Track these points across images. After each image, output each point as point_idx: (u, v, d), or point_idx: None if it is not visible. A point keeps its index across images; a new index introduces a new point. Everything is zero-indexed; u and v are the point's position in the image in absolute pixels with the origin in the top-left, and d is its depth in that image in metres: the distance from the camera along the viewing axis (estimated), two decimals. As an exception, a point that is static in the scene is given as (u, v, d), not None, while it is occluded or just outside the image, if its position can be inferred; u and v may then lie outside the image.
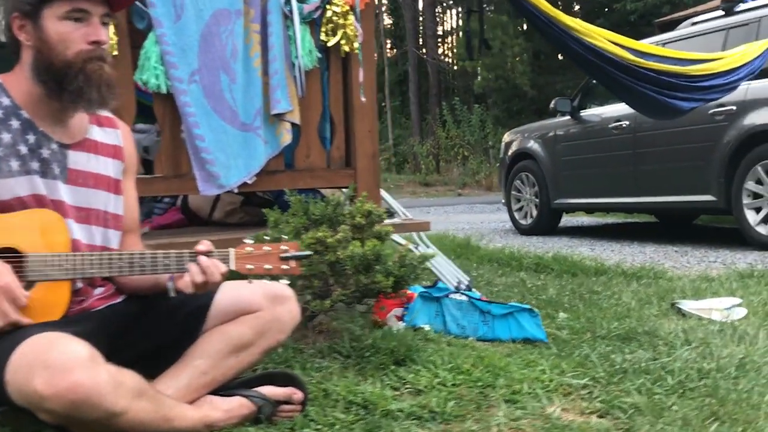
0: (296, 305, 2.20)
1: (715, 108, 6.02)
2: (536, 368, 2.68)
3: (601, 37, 4.33)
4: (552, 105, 8.21)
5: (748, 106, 5.95)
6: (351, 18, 3.44)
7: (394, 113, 27.62)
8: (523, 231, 8.68)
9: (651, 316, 3.61)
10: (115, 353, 1.94)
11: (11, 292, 1.78)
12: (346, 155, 3.60)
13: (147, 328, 2.12)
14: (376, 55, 3.42)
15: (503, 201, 9.24)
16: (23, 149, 1.93)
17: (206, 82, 3.19)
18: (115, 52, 3.07)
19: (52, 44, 1.94)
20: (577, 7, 26.57)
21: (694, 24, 7.06)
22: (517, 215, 8.87)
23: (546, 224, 8.48)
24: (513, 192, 8.90)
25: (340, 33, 3.43)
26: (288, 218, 2.89)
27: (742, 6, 6.40)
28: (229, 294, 2.15)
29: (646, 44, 4.97)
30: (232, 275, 2.06)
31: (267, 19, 3.30)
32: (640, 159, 7.05)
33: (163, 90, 3.14)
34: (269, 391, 2.14)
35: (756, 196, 6.02)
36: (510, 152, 9.04)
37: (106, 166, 2.12)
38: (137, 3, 3.11)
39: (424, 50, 28.34)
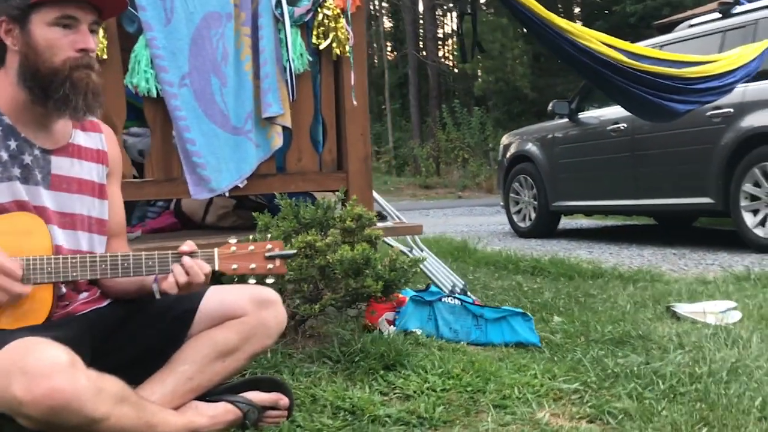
0: (282, 310, 2.17)
1: (713, 110, 6.00)
2: (527, 373, 2.67)
3: (594, 39, 4.32)
4: (550, 107, 8.20)
5: (745, 108, 5.93)
6: (342, 21, 3.42)
7: (394, 116, 27.60)
8: (521, 234, 8.67)
9: (645, 319, 3.60)
10: (99, 358, 1.94)
11: (3, 267, 1.78)
12: (338, 158, 3.58)
13: (132, 332, 2.11)
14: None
15: (502, 204, 9.23)
16: (4, 155, 1.91)
17: (197, 85, 3.17)
18: (105, 56, 3.07)
19: (39, 50, 1.92)
20: (576, 10, 26.58)
21: (691, 26, 7.05)
22: (515, 218, 8.86)
23: (544, 227, 8.46)
24: (511, 194, 8.88)
25: (331, 36, 3.41)
26: (278, 222, 2.88)
27: (738, 8, 6.38)
28: (214, 299, 2.13)
29: (640, 47, 4.95)
30: (216, 277, 2.04)
31: (258, 23, 3.28)
32: (638, 161, 7.04)
33: (154, 94, 3.13)
34: (255, 396, 2.13)
35: (753, 198, 6.01)
36: (508, 155, 9.02)
37: (90, 171, 2.10)
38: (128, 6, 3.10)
39: (424, 53, 28.32)
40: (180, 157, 3.19)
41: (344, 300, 2.77)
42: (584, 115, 7.90)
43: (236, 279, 2.03)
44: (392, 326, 3.10)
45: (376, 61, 32.13)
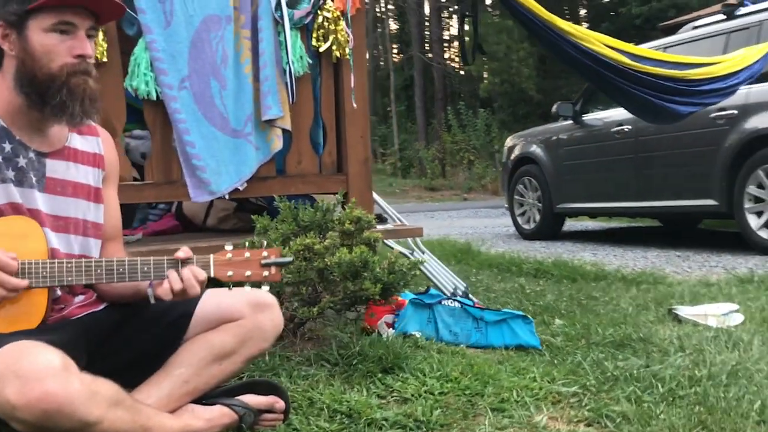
0: (279, 313, 2.17)
1: (717, 112, 5.98)
2: (526, 376, 2.66)
3: (597, 41, 4.31)
4: (554, 109, 8.18)
5: (749, 109, 5.91)
6: (342, 23, 3.42)
7: (399, 118, 27.60)
8: (526, 236, 8.65)
9: (647, 322, 3.58)
10: (95, 361, 1.93)
11: (5, 266, 1.78)
12: (338, 161, 3.58)
13: (128, 336, 2.11)
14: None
15: (506, 206, 9.21)
16: (-1, 158, 1.91)
17: (196, 88, 3.18)
18: (105, 59, 3.08)
19: (36, 56, 1.92)
20: (582, 12, 26.55)
21: (695, 28, 7.03)
22: (519, 220, 8.84)
23: (549, 229, 8.44)
24: (516, 196, 8.87)
25: (331, 38, 3.41)
26: (277, 225, 2.87)
27: (742, 10, 6.36)
28: (211, 302, 2.13)
29: (643, 48, 4.94)
30: (212, 282, 2.04)
31: (257, 25, 3.29)
32: (643, 163, 7.02)
33: (153, 96, 3.13)
34: (251, 399, 2.13)
35: (758, 200, 5.98)
36: (512, 157, 9.01)
37: (86, 175, 2.10)
38: (127, 10, 3.10)
39: (429, 55, 28.33)
40: (180, 159, 3.20)
41: (343, 303, 2.77)
42: (588, 117, 7.88)
43: (231, 285, 2.02)
44: (391, 329, 3.09)
45: (381, 63, 32.15)
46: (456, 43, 33.31)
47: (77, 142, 2.11)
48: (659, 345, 3.08)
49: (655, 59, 4.67)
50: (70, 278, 1.90)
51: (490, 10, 24.29)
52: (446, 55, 32.08)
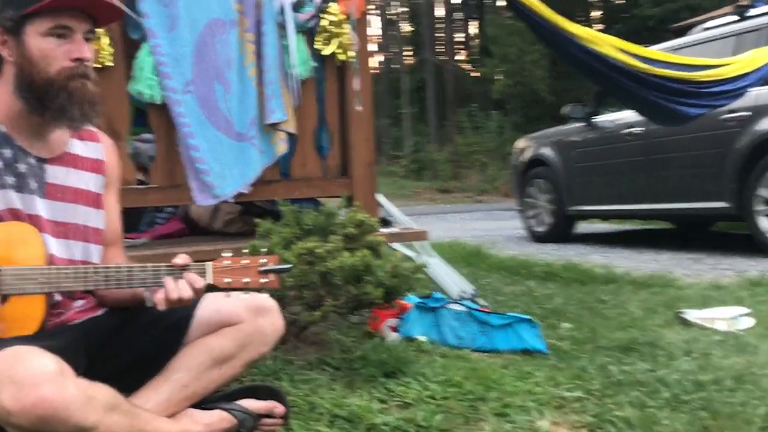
0: (279, 317, 2.16)
1: (727, 114, 5.93)
2: (530, 380, 2.64)
3: (605, 44, 4.28)
4: (565, 111, 8.15)
5: (760, 111, 5.86)
6: (346, 27, 3.42)
7: (412, 120, 27.59)
8: (537, 238, 8.62)
9: (654, 326, 3.56)
10: (94, 366, 1.93)
11: None
12: (343, 164, 3.58)
13: (127, 340, 2.10)
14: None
15: (518, 208, 9.18)
16: (-1, 164, 1.92)
17: (200, 92, 3.18)
18: (111, 63, 3.08)
19: (34, 61, 1.92)
20: (596, 14, 26.46)
21: (706, 29, 6.99)
22: (530, 222, 8.81)
23: (560, 231, 8.40)
24: (527, 199, 8.83)
25: (335, 42, 3.41)
26: (280, 228, 2.87)
27: (753, 11, 6.31)
28: (210, 306, 2.12)
29: (653, 50, 4.91)
30: (211, 289, 2.03)
31: (261, 29, 3.29)
32: (654, 165, 6.98)
33: (157, 101, 3.14)
34: (251, 404, 2.12)
35: (769, 202, 5.94)
36: (524, 159, 8.98)
37: (87, 181, 2.10)
38: (131, 14, 3.11)
39: (442, 57, 28.31)
40: (184, 163, 3.20)
41: (346, 307, 2.76)
42: (600, 119, 7.84)
43: (228, 292, 2.01)
44: (395, 333, 3.08)
45: (394, 65, 32.16)
46: (468, 45, 33.28)
47: (78, 147, 2.11)
48: (666, 349, 3.06)
49: (664, 61, 4.64)
50: (67, 284, 1.89)
51: (502, 12, 24.23)
52: (459, 57, 32.05)
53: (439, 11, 30.49)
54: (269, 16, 3.30)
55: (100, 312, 2.12)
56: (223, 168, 3.23)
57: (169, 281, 1.93)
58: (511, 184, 13.00)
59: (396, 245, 3.94)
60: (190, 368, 2.06)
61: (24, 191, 1.94)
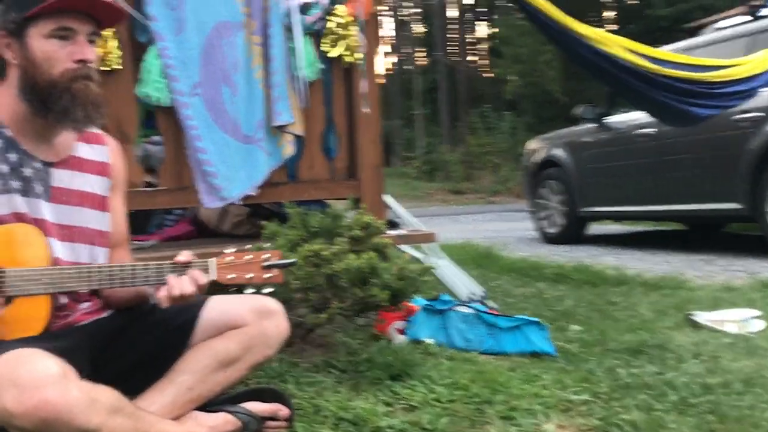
0: (284, 320, 2.16)
1: (740, 114, 5.89)
2: (537, 383, 2.63)
3: (614, 44, 4.26)
4: (577, 112, 8.13)
5: (773, 112, 5.82)
6: (353, 29, 3.42)
7: (424, 121, 27.57)
8: (549, 239, 8.59)
9: (664, 328, 3.54)
10: (99, 368, 1.94)
11: None
12: (350, 166, 3.57)
13: (132, 342, 2.10)
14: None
15: (531, 209, 9.15)
16: (4, 168, 1.92)
17: (208, 94, 3.19)
18: (119, 66, 3.09)
19: (37, 63, 1.92)
20: (609, 14, 26.36)
21: (718, 29, 6.94)
22: (542, 224, 8.78)
23: (572, 232, 8.37)
24: (538, 200, 8.81)
25: (342, 44, 3.41)
26: (286, 230, 2.87)
27: (765, 11, 6.27)
28: (216, 309, 2.12)
29: (663, 51, 4.88)
30: (215, 286, 2.03)
31: (268, 31, 3.29)
32: (666, 166, 6.94)
33: (164, 103, 3.14)
34: (255, 407, 2.12)
35: (782, 203, 5.89)
36: (535, 160, 8.96)
37: (92, 184, 2.10)
38: (139, 17, 3.12)
39: (454, 58, 28.27)
40: (191, 165, 3.21)
41: (352, 309, 2.75)
42: (612, 120, 7.81)
43: (233, 289, 2.01)
44: (402, 336, 3.07)
45: (406, 66, 32.15)
46: (480, 46, 33.22)
47: (83, 151, 2.11)
48: (675, 352, 3.04)
49: (674, 62, 4.61)
50: (71, 284, 1.90)
51: (513, 13, 24.17)
52: (471, 58, 31.98)
53: (452, 12, 30.47)
54: (276, 18, 3.30)
55: (105, 314, 2.13)
56: (231, 170, 3.23)
57: (171, 278, 1.93)
58: (523, 185, 12.99)
59: (404, 247, 3.93)
60: (194, 371, 2.06)
61: (29, 195, 1.95)
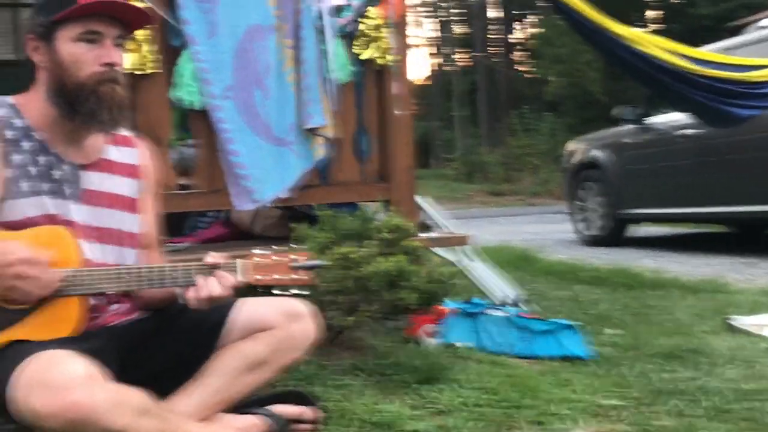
0: (312, 323, 2.16)
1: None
2: (568, 387, 2.61)
3: (651, 44, 4.22)
4: (616, 113, 8.04)
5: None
6: (385, 31, 3.42)
7: (464, 123, 27.49)
8: (588, 242, 8.50)
9: (700, 332, 3.48)
10: (128, 369, 1.95)
11: (29, 259, 1.81)
12: (382, 168, 3.57)
13: (161, 344, 2.12)
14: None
15: (570, 211, 9.06)
16: (33, 170, 1.95)
17: (240, 97, 3.21)
18: (153, 70, 3.13)
19: (65, 66, 1.95)
20: (651, 13, 26.04)
21: (760, 28, 6.81)
22: (581, 226, 8.69)
23: (611, 235, 8.26)
24: (577, 202, 8.72)
25: (374, 46, 3.42)
26: (316, 233, 2.88)
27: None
28: (244, 311, 2.14)
29: (702, 51, 4.82)
30: (243, 288, 2.04)
31: (300, 34, 3.31)
32: (707, 167, 6.82)
33: (197, 107, 3.17)
34: (282, 409, 2.13)
35: (827, 205, 5.77)
36: (574, 161, 8.87)
37: (122, 186, 2.13)
38: (172, 21, 3.16)
39: (494, 59, 28.15)
40: (224, 168, 3.23)
41: (380, 312, 2.75)
42: (652, 121, 7.70)
43: (261, 290, 2.01)
44: (433, 339, 3.06)
45: (445, 67, 32.09)
46: (520, 47, 33.04)
47: (113, 153, 2.14)
48: (710, 356, 2.99)
49: (714, 62, 4.56)
50: (102, 286, 1.93)
51: (553, 13, 23.99)
52: (511, 58, 31.81)
53: (492, 12, 30.34)
54: (308, 21, 3.31)
55: (135, 315, 2.15)
56: (263, 173, 3.25)
57: (199, 279, 1.95)
58: (562, 186, 12.88)
59: (439, 250, 3.91)
60: (223, 373, 2.07)
61: (59, 197, 1.98)
